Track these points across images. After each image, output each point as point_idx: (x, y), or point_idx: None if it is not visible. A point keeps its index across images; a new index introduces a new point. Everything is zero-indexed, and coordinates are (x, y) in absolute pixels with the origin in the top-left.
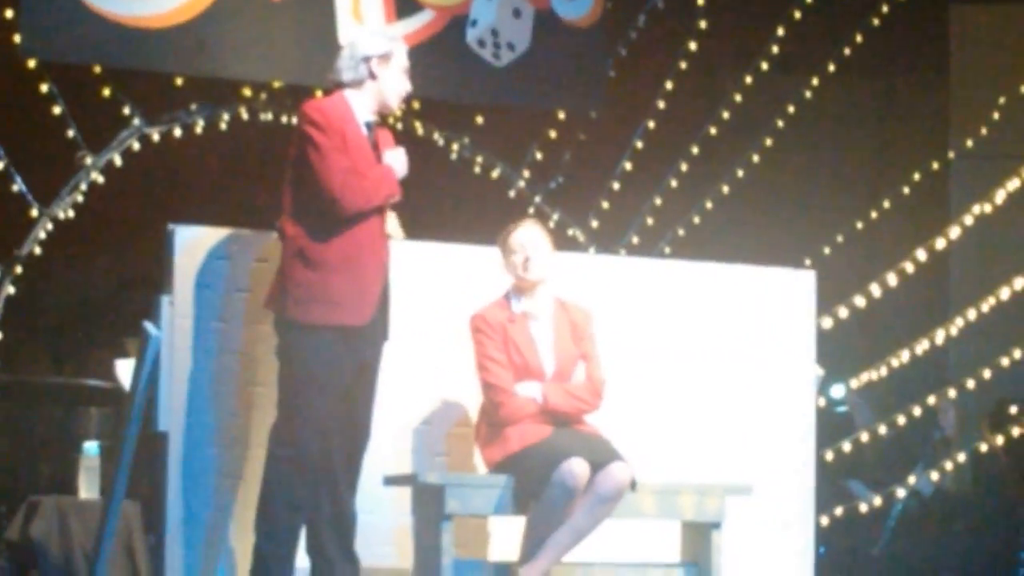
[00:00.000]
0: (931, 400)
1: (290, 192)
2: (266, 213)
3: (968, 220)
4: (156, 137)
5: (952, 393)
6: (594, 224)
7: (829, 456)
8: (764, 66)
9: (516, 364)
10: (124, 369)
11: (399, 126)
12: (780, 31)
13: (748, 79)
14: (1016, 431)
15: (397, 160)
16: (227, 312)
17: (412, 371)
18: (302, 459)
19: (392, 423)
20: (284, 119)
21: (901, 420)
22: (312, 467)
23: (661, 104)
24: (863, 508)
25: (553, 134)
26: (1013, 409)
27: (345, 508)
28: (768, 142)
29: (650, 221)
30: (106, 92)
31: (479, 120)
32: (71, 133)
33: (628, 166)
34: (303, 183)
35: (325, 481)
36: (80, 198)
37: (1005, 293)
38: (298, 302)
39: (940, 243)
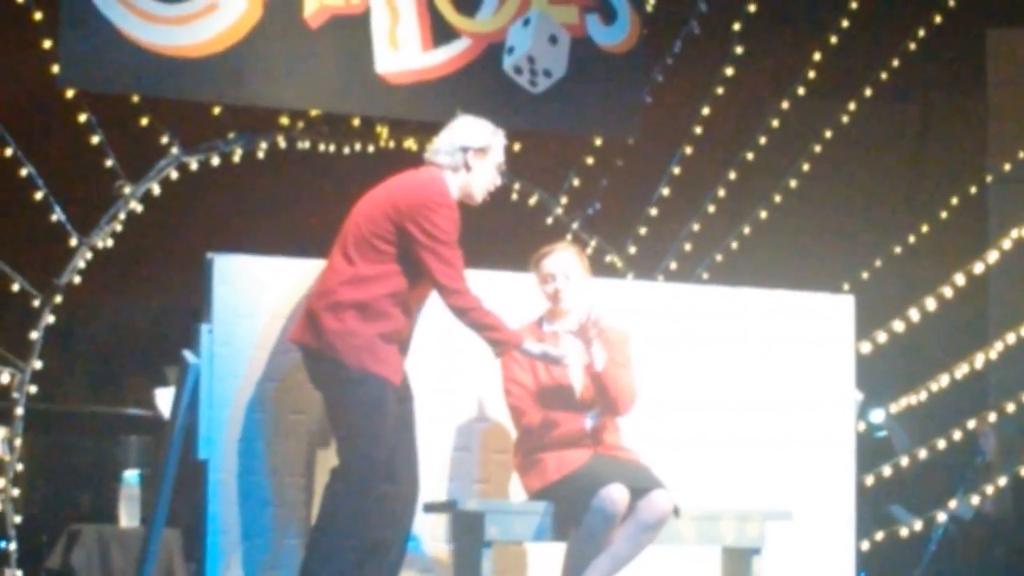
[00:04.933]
0: (971, 424)
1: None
2: (304, 241)
3: (1007, 244)
4: (194, 166)
5: (992, 417)
6: (632, 250)
7: (869, 481)
8: (801, 91)
9: (544, 383)
10: (164, 398)
11: None
12: (817, 56)
13: (785, 104)
14: None
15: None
16: (266, 340)
17: (450, 398)
18: (363, 488)
19: (430, 450)
20: (321, 147)
21: (941, 444)
22: (372, 495)
23: (698, 130)
24: (904, 533)
25: (590, 160)
26: None
27: (401, 537)
28: (805, 167)
29: (688, 247)
30: (144, 121)
31: (516, 147)
32: (109, 162)
33: (665, 192)
34: (410, 267)
35: (380, 512)
36: (119, 227)
37: None
38: (352, 349)
39: (979, 267)
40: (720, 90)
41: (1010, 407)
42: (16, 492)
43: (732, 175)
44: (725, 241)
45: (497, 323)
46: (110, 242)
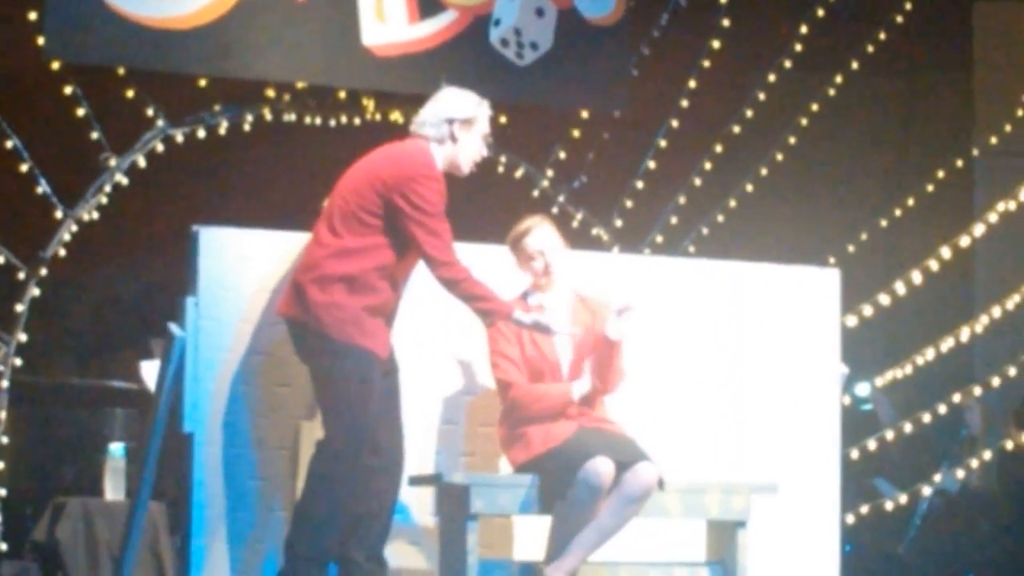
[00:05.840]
0: (956, 398)
1: (383, 238)
2: (290, 213)
3: (993, 217)
4: (180, 138)
5: (977, 391)
6: (618, 223)
7: (855, 454)
8: (788, 64)
9: (530, 356)
10: (149, 371)
11: None
12: (803, 29)
13: (772, 77)
14: None
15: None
16: (252, 313)
17: (436, 371)
18: (348, 460)
19: (417, 422)
20: (308, 120)
21: (927, 418)
22: (357, 463)
23: (685, 103)
24: (889, 506)
25: (576, 133)
26: None
27: (386, 510)
28: (792, 140)
29: (674, 220)
30: (130, 94)
31: (502, 120)
32: (95, 135)
33: (652, 165)
34: (397, 240)
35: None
36: (104, 200)
37: None
38: (338, 322)
39: (965, 240)
40: (707, 63)
41: (995, 381)
42: (1, 465)
43: (719, 148)
44: (711, 214)
45: (487, 293)
46: (95, 215)
